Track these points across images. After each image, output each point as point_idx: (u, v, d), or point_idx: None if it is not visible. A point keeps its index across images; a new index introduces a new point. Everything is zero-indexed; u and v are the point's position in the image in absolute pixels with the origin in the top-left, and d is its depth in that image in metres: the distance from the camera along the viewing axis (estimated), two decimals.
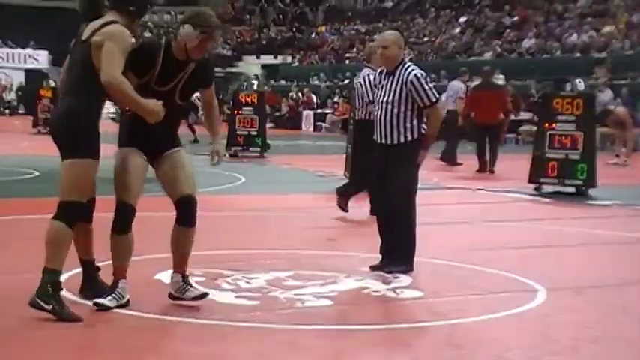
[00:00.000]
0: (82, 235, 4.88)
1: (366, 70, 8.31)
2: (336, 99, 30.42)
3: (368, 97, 7.97)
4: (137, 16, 4.91)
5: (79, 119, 4.60)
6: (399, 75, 5.91)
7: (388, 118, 5.92)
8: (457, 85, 16.19)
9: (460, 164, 15.06)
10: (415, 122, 5.91)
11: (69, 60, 4.93)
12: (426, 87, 5.89)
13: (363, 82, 8.20)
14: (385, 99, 5.95)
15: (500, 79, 24.95)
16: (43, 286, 4.41)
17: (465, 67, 17.57)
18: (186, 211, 4.81)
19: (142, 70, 4.71)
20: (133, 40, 4.75)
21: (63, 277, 4.58)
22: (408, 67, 5.96)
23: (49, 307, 4.38)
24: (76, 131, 4.60)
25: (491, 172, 14.12)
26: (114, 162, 4.78)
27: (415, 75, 5.87)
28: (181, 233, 4.84)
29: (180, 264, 4.89)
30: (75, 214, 4.63)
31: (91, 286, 4.95)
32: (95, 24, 4.80)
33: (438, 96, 5.99)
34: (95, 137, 4.65)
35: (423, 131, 5.96)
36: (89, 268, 5.01)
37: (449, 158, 15.14)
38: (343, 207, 8.58)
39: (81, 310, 4.57)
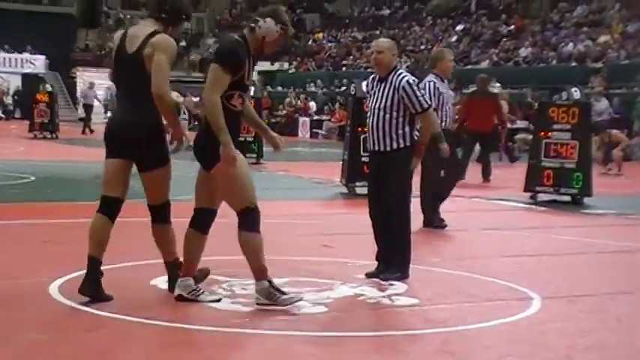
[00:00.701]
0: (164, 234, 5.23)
1: (430, 77, 8.30)
2: (333, 106, 30.45)
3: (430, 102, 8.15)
4: (170, 24, 5.05)
5: (158, 130, 4.93)
6: (392, 81, 5.93)
7: (380, 124, 5.94)
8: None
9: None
10: (407, 129, 5.93)
11: (120, 74, 5.08)
12: (418, 93, 5.92)
13: (424, 88, 8.16)
14: (377, 105, 5.97)
15: (496, 88, 25.05)
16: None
17: (453, 77, 17.62)
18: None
19: (239, 70, 4.80)
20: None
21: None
22: (400, 73, 5.98)
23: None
24: (160, 141, 4.95)
25: (487, 181, 14.06)
26: (239, 163, 4.80)
27: (407, 81, 5.89)
28: (198, 238, 5.03)
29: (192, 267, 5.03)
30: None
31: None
32: (138, 34, 4.96)
33: (430, 102, 6.03)
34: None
35: (415, 137, 5.99)
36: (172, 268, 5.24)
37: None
38: (439, 224, 8.48)
39: (78, 315, 4.56)
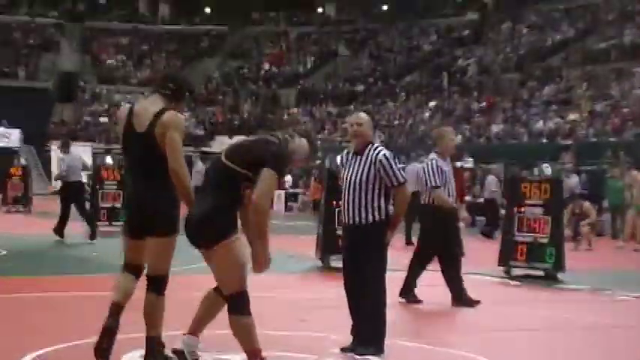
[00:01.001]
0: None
1: (432, 155, 8.55)
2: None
3: (433, 181, 8.37)
4: (174, 100, 5.18)
5: (172, 203, 5.04)
6: (368, 155, 6.00)
7: (356, 197, 5.99)
8: (417, 168, 16.40)
9: (412, 244, 15.22)
10: (382, 202, 5.98)
11: (131, 154, 5.25)
12: (394, 167, 5.98)
13: (426, 167, 8.51)
14: (353, 179, 6.03)
15: (469, 163, 25.37)
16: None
17: (423, 151, 17.90)
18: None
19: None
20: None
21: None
22: (377, 147, 6.06)
23: None
24: (172, 212, 5.06)
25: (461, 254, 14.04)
26: (236, 249, 4.85)
27: (384, 155, 5.97)
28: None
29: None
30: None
31: None
32: (145, 113, 5.09)
33: (405, 177, 6.09)
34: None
35: (390, 211, 6.03)
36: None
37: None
38: (471, 303, 8.42)
39: None
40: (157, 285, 5.16)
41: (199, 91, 45.10)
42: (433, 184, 8.44)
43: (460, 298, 8.41)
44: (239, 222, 5.00)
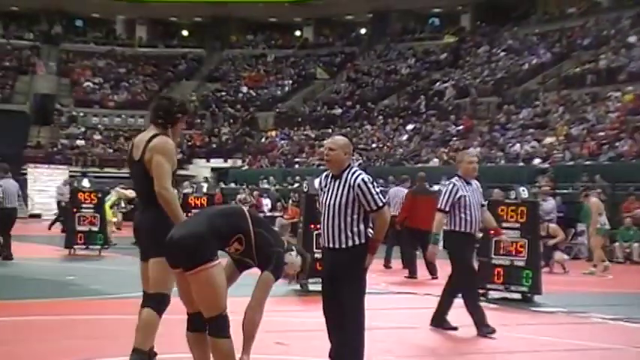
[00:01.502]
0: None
1: (454, 178, 8.39)
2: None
3: (439, 203, 8.30)
4: (167, 125, 5.42)
5: (164, 225, 5.12)
6: (346, 179, 5.98)
7: (335, 222, 5.96)
8: (402, 192, 16.48)
9: (390, 267, 15.26)
10: (362, 226, 5.95)
11: (133, 180, 5.59)
12: (373, 191, 5.94)
13: (443, 189, 8.43)
14: (332, 203, 6.00)
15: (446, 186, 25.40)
16: None
17: (407, 175, 17.97)
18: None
19: None
20: (172, 143, 5.35)
21: None
22: (355, 171, 6.03)
23: None
24: (163, 235, 5.06)
25: (434, 278, 14.05)
26: (216, 272, 4.95)
27: (362, 179, 5.93)
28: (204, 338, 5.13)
29: None
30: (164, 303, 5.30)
31: None
32: (141, 141, 5.38)
33: (384, 200, 6.03)
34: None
35: (369, 235, 6.01)
36: None
37: (409, 266, 14.88)
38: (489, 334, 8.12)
39: None
40: (157, 302, 5.22)
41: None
42: (438, 206, 8.32)
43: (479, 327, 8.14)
44: None
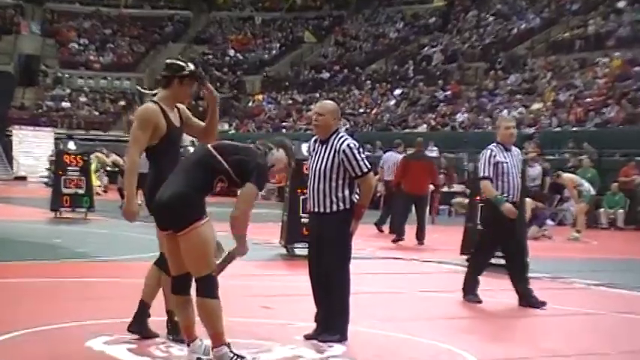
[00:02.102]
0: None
1: (491, 145, 8.12)
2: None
3: (480, 171, 8.05)
4: (164, 86, 5.46)
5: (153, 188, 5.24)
6: (332, 144, 5.97)
7: (321, 186, 5.97)
8: (394, 156, 16.57)
9: (383, 231, 15.33)
10: (347, 192, 5.95)
11: None
12: (358, 157, 5.93)
13: (480, 157, 8.14)
14: (318, 167, 6.00)
15: (434, 152, 25.52)
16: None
17: (400, 139, 18.01)
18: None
19: None
20: (151, 110, 5.34)
21: None
22: (342, 137, 6.01)
23: None
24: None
25: (421, 244, 14.13)
26: (205, 232, 4.89)
27: (348, 145, 5.92)
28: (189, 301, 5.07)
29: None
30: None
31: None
32: None
33: (369, 166, 6.00)
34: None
35: (354, 201, 6.01)
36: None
37: (397, 228, 14.70)
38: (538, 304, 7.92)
39: None
40: (163, 260, 5.35)
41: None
42: (480, 174, 8.13)
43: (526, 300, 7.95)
44: None
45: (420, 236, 14.14)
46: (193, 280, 4.92)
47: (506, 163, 7.99)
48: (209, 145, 5.04)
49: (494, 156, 7.98)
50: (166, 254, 5.06)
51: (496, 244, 8.32)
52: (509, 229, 8.04)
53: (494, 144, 8.13)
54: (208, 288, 4.84)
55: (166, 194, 4.87)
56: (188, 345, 4.97)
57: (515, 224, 8.10)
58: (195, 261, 4.86)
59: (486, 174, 8.01)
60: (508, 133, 8.12)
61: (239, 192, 4.97)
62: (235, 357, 4.85)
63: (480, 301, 8.01)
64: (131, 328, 5.51)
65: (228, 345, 4.88)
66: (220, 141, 5.24)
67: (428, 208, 16.24)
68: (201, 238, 4.83)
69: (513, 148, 8.18)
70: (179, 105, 5.58)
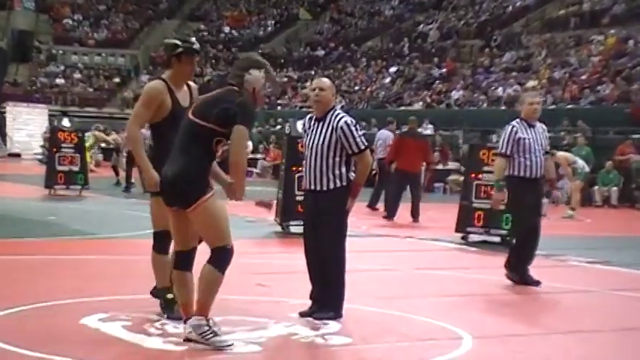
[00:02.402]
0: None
1: (514, 121, 7.94)
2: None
3: (499, 148, 7.89)
4: (169, 62, 5.58)
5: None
6: (329, 121, 5.96)
7: (317, 163, 5.96)
8: (386, 134, 16.58)
9: (377, 209, 15.34)
10: (344, 169, 5.95)
11: None
12: (355, 134, 5.92)
13: (504, 133, 7.93)
14: (315, 144, 5.98)
15: (429, 129, 25.51)
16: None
17: (392, 117, 18.01)
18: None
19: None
20: (157, 88, 5.46)
21: None
22: (338, 114, 6.00)
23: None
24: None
25: (416, 221, 14.16)
26: (214, 204, 4.91)
27: (345, 122, 5.92)
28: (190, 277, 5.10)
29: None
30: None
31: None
32: None
33: (366, 144, 6.00)
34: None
35: (351, 178, 6.01)
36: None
37: (391, 207, 14.61)
38: (514, 279, 7.86)
39: (4, 356, 4.44)
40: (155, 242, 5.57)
41: (158, 52, 44.54)
42: (498, 150, 7.99)
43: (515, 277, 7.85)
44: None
45: (415, 214, 14.17)
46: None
47: (529, 139, 7.79)
48: (189, 114, 5.02)
49: (516, 132, 7.81)
50: (172, 230, 5.07)
51: (528, 222, 7.97)
52: (533, 207, 7.89)
53: (518, 120, 7.93)
54: (219, 260, 4.91)
55: (170, 172, 4.89)
56: (184, 322, 4.98)
57: (539, 202, 7.96)
58: (208, 234, 4.94)
59: (504, 151, 7.85)
60: (532, 108, 7.91)
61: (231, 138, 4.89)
62: (209, 333, 4.85)
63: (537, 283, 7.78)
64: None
65: (209, 321, 4.89)
66: (196, 103, 5.20)
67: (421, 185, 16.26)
68: (210, 212, 4.87)
69: (538, 124, 7.96)
70: (191, 84, 5.67)
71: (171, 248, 5.33)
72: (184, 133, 4.98)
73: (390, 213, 14.24)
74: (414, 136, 15.36)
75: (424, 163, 15.91)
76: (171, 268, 5.14)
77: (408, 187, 14.49)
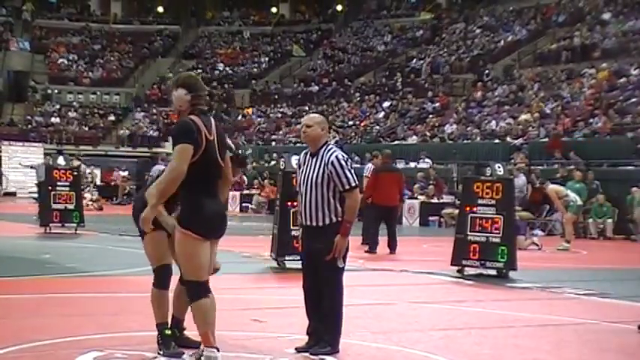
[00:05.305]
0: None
1: None
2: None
3: None
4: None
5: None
6: (322, 156, 5.97)
7: (313, 199, 5.96)
8: (368, 167, 16.81)
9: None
10: (338, 204, 5.95)
11: None
12: (346, 171, 5.90)
13: None
14: (308, 180, 6.00)
15: (426, 163, 25.63)
16: None
17: (377, 151, 18.07)
18: None
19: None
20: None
21: None
22: (331, 149, 6.02)
23: None
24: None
25: (392, 253, 14.22)
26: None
27: (336, 157, 5.92)
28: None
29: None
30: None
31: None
32: None
33: (356, 181, 5.98)
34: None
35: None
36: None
37: (371, 241, 14.93)
38: None
39: None
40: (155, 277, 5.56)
41: (153, 90, 44.72)
42: None
43: None
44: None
45: (392, 246, 14.31)
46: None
47: None
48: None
49: None
50: (205, 261, 5.25)
51: None
52: None
53: None
54: (192, 293, 5.24)
55: (224, 208, 5.38)
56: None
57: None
58: (183, 263, 5.23)
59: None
60: None
61: None
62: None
63: None
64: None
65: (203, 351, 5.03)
66: None
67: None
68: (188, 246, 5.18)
69: None
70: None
71: (173, 281, 5.38)
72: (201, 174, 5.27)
73: (372, 247, 14.34)
74: (389, 170, 15.44)
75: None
76: (189, 298, 5.28)
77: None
